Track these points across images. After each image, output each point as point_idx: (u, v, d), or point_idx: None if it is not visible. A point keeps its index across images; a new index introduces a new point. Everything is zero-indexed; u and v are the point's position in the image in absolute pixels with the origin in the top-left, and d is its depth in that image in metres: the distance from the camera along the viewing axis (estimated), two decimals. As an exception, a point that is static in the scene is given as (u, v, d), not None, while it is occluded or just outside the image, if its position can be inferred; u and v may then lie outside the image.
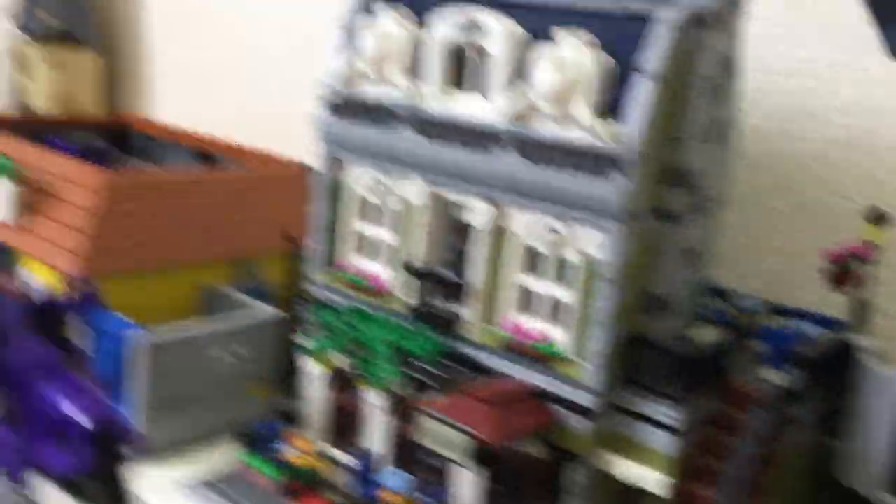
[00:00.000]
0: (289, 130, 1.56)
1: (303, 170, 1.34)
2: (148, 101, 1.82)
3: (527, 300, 0.86)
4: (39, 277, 1.09)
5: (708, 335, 0.87)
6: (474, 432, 0.77)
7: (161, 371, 1.00)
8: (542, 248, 0.84)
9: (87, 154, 1.49)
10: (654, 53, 0.75)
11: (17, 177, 1.11)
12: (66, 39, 1.71)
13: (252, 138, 1.56)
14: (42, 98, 1.72)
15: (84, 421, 0.56)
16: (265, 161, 1.40)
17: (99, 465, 0.58)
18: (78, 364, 0.63)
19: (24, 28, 1.73)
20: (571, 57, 0.77)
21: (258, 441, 0.99)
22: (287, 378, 1.13)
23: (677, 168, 0.81)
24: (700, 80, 0.79)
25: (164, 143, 1.59)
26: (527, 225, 0.84)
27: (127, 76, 1.85)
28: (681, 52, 0.77)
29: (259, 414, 1.13)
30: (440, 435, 0.79)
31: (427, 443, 0.80)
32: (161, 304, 1.12)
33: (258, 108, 1.63)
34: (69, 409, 0.57)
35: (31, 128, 1.51)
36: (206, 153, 1.51)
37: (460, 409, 0.80)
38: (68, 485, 0.60)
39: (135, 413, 1.00)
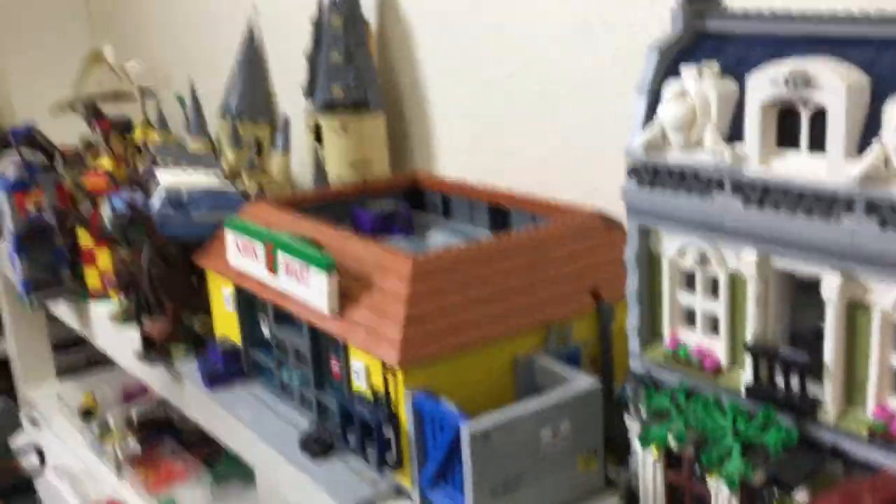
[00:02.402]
0: (580, 173, 1.52)
1: (602, 219, 1.29)
2: (435, 156, 1.86)
3: (899, 382, 0.75)
4: (363, 364, 1.13)
5: None
6: (861, 554, 0.67)
7: (489, 457, 1.00)
8: (914, 324, 0.72)
9: (389, 221, 1.56)
10: None
11: (332, 267, 1.15)
12: (354, 107, 1.80)
13: (540, 185, 1.53)
14: (338, 165, 1.82)
15: None
16: (560, 212, 1.36)
17: None
18: None
19: (316, 100, 1.84)
20: (937, 107, 0.65)
21: (598, 529, 0.96)
22: (616, 445, 1.09)
23: None
24: None
25: (457, 199, 1.62)
26: (892, 297, 0.73)
27: (412, 135, 1.91)
28: None
29: (592, 487, 1.10)
30: (815, 551, 0.70)
31: (800, 558, 0.72)
32: (477, 381, 1.12)
33: (543, 153, 1.60)
34: None
35: (334, 202, 1.60)
36: (499, 207, 1.51)
37: (835, 517, 0.71)
38: None
39: (467, 502, 1.01)
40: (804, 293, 0.81)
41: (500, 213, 1.52)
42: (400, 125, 1.92)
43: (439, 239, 1.52)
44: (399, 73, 1.90)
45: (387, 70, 1.92)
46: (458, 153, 1.81)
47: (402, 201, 1.65)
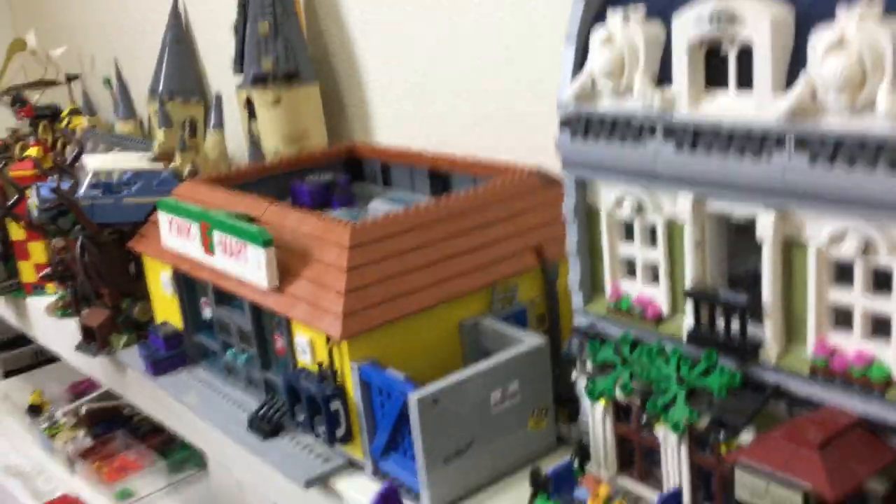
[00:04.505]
0: (521, 133, 1.50)
1: (542, 177, 1.28)
2: (372, 125, 1.83)
3: (838, 317, 0.75)
4: (307, 339, 1.11)
5: None
6: (808, 487, 0.67)
7: (438, 424, 0.99)
8: (849, 257, 0.72)
9: (328, 193, 1.52)
10: (973, 11, 0.61)
11: (268, 241, 1.12)
12: (286, 79, 1.75)
13: (479, 148, 1.52)
14: (274, 140, 1.78)
15: None
16: (499, 172, 1.34)
17: None
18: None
19: (247, 75, 1.79)
20: (861, 35, 0.64)
21: (553, 486, 0.95)
22: (567, 403, 1.08)
23: None
24: None
25: (396, 167, 1.59)
26: (826, 232, 0.72)
27: (349, 104, 1.87)
28: None
29: (544, 446, 1.09)
30: (762, 490, 0.70)
31: (747, 499, 0.71)
32: (424, 348, 1.11)
33: (482, 115, 1.58)
34: None
35: (271, 177, 1.56)
36: (439, 171, 1.49)
37: (781, 455, 0.71)
38: None
39: (419, 470, 0.99)
40: (742, 236, 0.81)
41: (440, 177, 1.50)
42: (335, 95, 1.89)
43: (381, 208, 1.49)
44: (330, 42, 1.86)
45: (317, 39, 1.87)
46: (396, 120, 1.78)
47: (342, 172, 1.62)
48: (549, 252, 1.20)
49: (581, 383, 0.95)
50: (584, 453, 0.99)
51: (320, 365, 1.09)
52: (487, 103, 1.55)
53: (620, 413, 0.94)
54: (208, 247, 1.23)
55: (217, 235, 1.20)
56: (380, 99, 1.80)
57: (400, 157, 1.58)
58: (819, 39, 0.67)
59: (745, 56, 0.74)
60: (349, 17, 1.80)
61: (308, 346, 1.11)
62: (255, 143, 1.79)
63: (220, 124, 1.92)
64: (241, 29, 1.80)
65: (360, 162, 1.66)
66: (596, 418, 0.96)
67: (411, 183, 1.56)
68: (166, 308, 1.46)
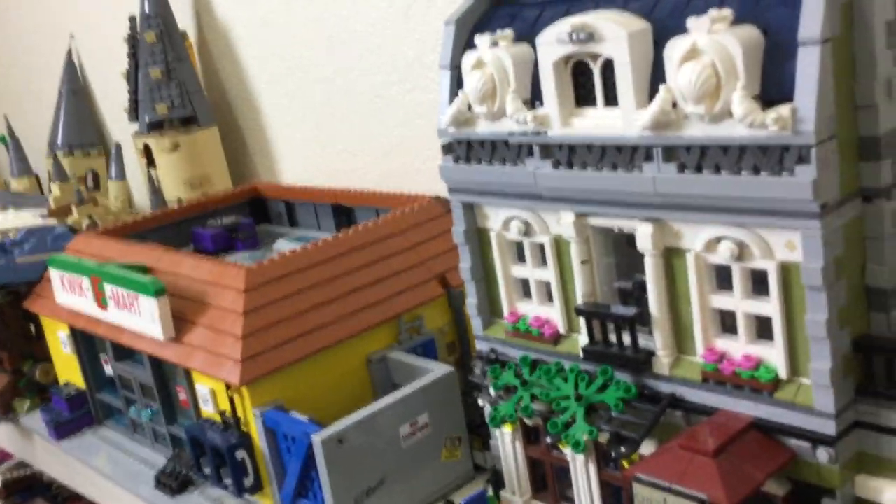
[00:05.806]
0: (418, 160, 1.50)
1: (442, 203, 1.27)
2: (276, 165, 1.81)
3: (722, 322, 0.75)
4: (208, 388, 1.07)
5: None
6: (705, 497, 0.66)
7: (346, 464, 0.96)
8: (725, 263, 0.72)
9: (232, 237, 1.49)
10: (812, 15, 0.62)
11: (160, 291, 1.09)
12: (183, 123, 1.72)
13: (384, 178, 1.51)
14: (175, 185, 1.74)
15: None
16: (401, 202, 1.33)
17: None
18: None
19: (142, 122, 1.75)
20: (713, 44, 0.65)
21: (465, 518, 0.93)
22: (480, 429, 1.06)
23: (868, 137, 0.67)
24: (875, 30, 0.65)
25: (300, 205, 1.57)
26: (701, 239, 0.73)
27: (250, 145, 1.85)
28: (845, 5, 0.63)
29: (461, 476, 1.07)
30: (660, 503, 0.69)
31: (648, 513, 0.71)
32: (332, 387, 1.09)
33: (383, 144, 1.57)
34: None
35: (172, 224, 1.52)
36: (342, 206, 1.47)
37: (677, 465, 0.70)
38: None
39: (333, 511, 0.97)
40: (631, 248, 0.81)
41: (344, 212, 1.48)
42: (237, 137, 1.86)
43: (285, 248, 1.47)
44: (227, 83, 1.83)
45: (213, 81, 1.85)
46: (300, 158, 1.76)
47: (245, 215, 1.59)
48: (455, 279, 1.19)
49: (487, 410, 0.94)
50: (497, 480, 0.98)
51: (223, 414, 1.05)
52: (389, 133, 1.54)
53: (531, 435, 0.93)
54: (101, 301, 1.19)
55: (109, 289, 1.16)
56: (282, 137, 1.78)
57: (304, 195, 1.56)
58: (673, 49, 0.67)
59: (612, 72, 0.75)
60: (245, 57, 1.78)
61: (210, 396, 1.08)
62: (156, 190, 1.75)
63: (121, 174, 1.87)
64: (133, 76, 1.76)
65: (265, 202, 1.64)
66: (505, 443, 0.94)
67: (316, 220, 1.55)
68: (67, 368, 1.40)
